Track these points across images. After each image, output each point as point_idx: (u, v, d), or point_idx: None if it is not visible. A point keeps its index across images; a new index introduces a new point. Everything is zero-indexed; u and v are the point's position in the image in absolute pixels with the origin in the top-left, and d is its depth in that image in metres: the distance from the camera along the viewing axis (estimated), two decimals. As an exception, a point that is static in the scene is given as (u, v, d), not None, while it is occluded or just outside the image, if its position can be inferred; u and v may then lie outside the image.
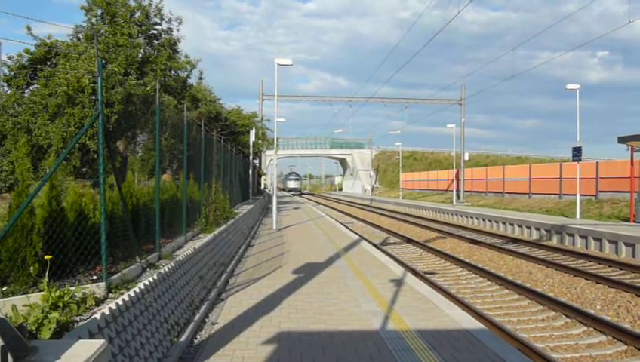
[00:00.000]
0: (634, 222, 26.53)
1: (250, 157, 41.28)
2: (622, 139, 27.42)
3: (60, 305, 5.43)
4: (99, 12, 18.82)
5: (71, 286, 5.99)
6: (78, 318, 5.39)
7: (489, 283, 15.83)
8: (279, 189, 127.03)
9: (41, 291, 5.72)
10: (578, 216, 30.18)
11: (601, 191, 35.57)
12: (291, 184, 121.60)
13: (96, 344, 4.25)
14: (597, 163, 37.59)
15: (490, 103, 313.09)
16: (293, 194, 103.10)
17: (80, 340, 4.44)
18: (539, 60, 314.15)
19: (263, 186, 58.40)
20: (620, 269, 17.55)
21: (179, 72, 21.37)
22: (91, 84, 15.14)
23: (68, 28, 19.57)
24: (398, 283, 12.14)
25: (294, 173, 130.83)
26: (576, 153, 31.37)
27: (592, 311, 12.12)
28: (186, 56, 21.71)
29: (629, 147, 27.91)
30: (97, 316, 5.32)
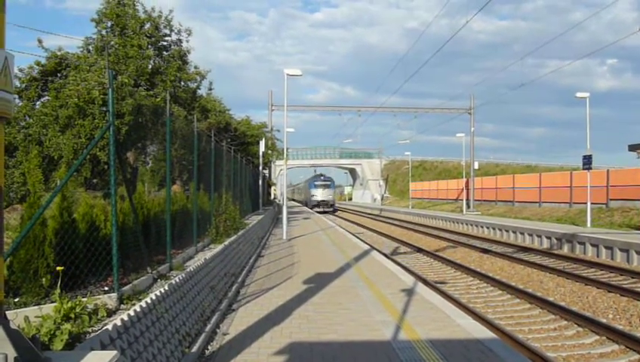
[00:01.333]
0: (646, 230, 26.36)
1: (260, 168, 41.31)
2: (632, 147, 27.34)
3: (72, 316, 5.43)
4: (109, 24, 18.97)
5: (83, 297, 5.99)
6: (90, 329, 5.39)
7: (500, 292, 15.75)
8: (297, 202, 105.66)
9: (53, 302, 5.72)
10: (589, 225, 30.03)
11: (611, 200, 35.36)
12: (318, 194, 75.95)
13: (109, 355, 4.25)
14: (607, 171, 37.38)
15: (500, 112, 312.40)
16: (324, 211, 71.46)
17: (92, 351, 4.44)
18: (548, 69, 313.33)
19: (272, 196, 58.40)
20: (632, 278, 17.43)
21: (188, 82, 21.49)
22: (101, 96, 15.23)
23: (78, 40, 19.74)
24: (409, 292, 12.09)
25: (322, 176, 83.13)
26: (587, 161, 31.23)
27: (604, 320, 12.03)
28: (195, 67, 21.85)
29: (640, 155, 27.79)
30: (109, 327, 5.32)
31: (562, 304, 13.66)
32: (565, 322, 12.20)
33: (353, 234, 31.35)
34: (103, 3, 18.80)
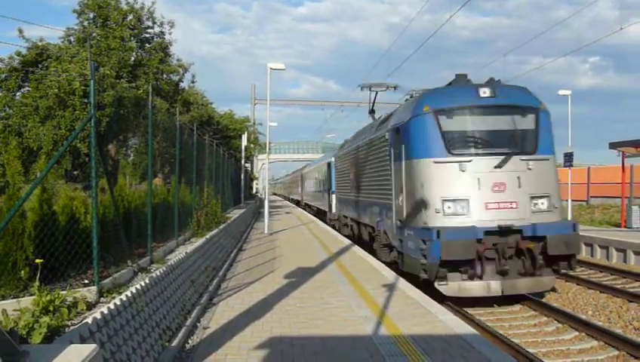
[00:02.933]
0: (625, 227, 26.60)
1: (242, 162, 41.23)
2: (613, 145, 27.49)
3: (51, 309, 5.38)
4: (91, 15, 18.79)
5: (62, 290, 5.95)
6: (69, 323, 5.35)
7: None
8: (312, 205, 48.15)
9: (31, 295, 5.67)
10: (569, 222, 30.26)
11: (592, 197, 35.73)
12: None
13: (88, 348, 4.22)
14: (588, 168, 37.76)
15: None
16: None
17: (71, 345, 4.40)
18: (530, 66, 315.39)
19: (255, 190, 58.29)
20: (612, 275, 17.57)
21: (171, 75, 21.35)
22: (83, 87, 15.08)
23: (60, 31, 19.55)
24: (391, 288, 12.11)
25: None
26: (568, 158, 31.49)
27: (583, 317, 12.12)
28: (178, 60, 21.72)
29: (620, 153, 27.99)
30: (89, 320, 5.28)
31: (542, 300, 13.75)
32: (545, 318, 12.27)
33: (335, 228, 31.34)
34: (85, -7, 18.62)
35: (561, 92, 32.69)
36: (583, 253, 22.32)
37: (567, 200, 31.52)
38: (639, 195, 29.41)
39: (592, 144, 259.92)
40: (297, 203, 61.11)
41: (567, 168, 31.83)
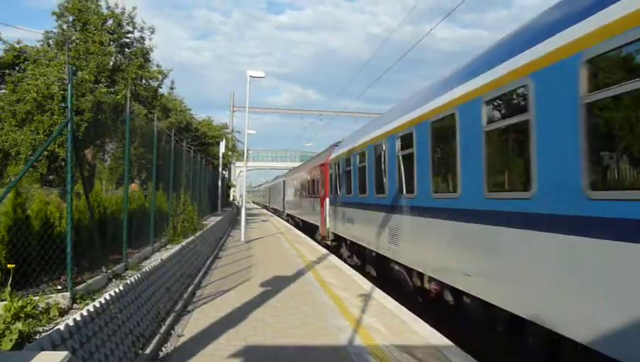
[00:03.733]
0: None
1: (220, 169, 41.10)
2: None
3: (23, 315, 5.32)
4: (70, 19, 18.67)
5: (35, 295, 5.89)
6: (41, 329, 5.29)
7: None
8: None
9: (3, 301, 5.61)
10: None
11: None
12: None
13: (59, 355, 4.18)
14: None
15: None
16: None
17: (42, 352, 4.36)
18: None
19: (232, 198, 58.14)
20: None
21: (150, 81, 21.26)
22: (61, 91, 14.99)
23: (38, 33, 19.43)
24: (366, 297, 12.13)
25: None
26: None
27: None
28: (157, 66, 21.64)
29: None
30: (61, 327, 5.22)
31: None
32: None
33: (312, 238, 31.33)
34: (65, -4, 18.51)
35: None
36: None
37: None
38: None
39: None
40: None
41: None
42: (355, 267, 17.45)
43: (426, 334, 9.19)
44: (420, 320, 10.56)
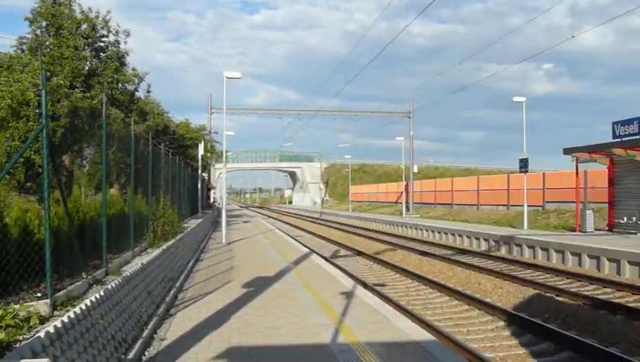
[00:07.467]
0: (579, 231, 27.18)
1: (199, 171, 40.98)
2: (567, 151, 28.12)
3: (3, 324, 5.29)
4: (44, 24, 18.51)
5: (15, 304, 5.85)
6: (21, 337, 5.26)
7: (439, 294, 15.98)
8: None
9: (-18, 310, 5.57)
10: (525, 227, 30.84)
11: (547, 202, 36.45)
12: None
13: (41, 363, 4.17)
14: (543, 174, 38.57)
15: (439, 116, 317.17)
16: None
17: (23, 360, 4.34)
18: (486, 73, 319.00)
19: (212, 200, 57.98)
20: (567, 278, 17.97)
21: (126, 84, 21.14)
22: (37, 97, 14.86)
23: (11, 39, 19.25)
24: (349, 295, 12.17)
25: None
26: (524, 164, 32.20)
27: (539, 321, 12.34)
28: (133, 69, 21.53)
29: (574, 158, 28.65)
30: (42, 334, 5.20)
31: (499, 305, 13.95)
32: (503, 323, 12.47)
33: (293, 238, 31.34)
34: (38, 2, 18.35)
35: (516, 99, 33.27)
36: (539, 258, 22.77)
37: (522, 206, 32.14)
38: (593, 200, 30.09)
39: (547, 150, 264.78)
40: None
41: (523, 174, 32.42)
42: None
43: (408, 330, 9.25)
44: (402, 316, 10.64)
